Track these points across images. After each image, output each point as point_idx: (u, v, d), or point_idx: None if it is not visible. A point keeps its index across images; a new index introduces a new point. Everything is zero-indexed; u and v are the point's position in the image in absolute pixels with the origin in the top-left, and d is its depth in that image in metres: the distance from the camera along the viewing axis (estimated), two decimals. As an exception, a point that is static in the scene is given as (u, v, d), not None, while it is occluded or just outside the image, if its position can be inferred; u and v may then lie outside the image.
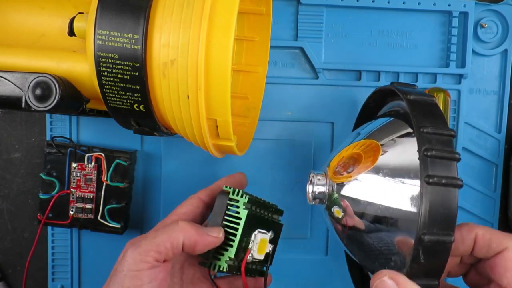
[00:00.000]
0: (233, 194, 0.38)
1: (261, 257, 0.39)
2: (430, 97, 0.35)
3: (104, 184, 0.48)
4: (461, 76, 0.51)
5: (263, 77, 0.48)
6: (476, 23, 0.51)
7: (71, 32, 0.38)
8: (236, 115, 0.48)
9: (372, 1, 0.49)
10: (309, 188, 0.40)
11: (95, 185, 0.48)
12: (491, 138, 0.52)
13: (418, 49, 0.51)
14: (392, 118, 0.39)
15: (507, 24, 0.51)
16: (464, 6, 0.50)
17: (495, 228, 0.53)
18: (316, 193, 0.39)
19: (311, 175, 0.40)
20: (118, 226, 0.48)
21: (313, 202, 0.40)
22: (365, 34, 0.51)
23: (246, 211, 0.37)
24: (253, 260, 0.39)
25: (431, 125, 0.32)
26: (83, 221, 0.48)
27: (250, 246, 0.38)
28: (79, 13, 0.38)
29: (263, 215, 0.40)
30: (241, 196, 0.38)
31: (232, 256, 0.37)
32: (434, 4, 0.50)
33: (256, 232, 0.39)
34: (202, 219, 0.41)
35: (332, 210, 0.39)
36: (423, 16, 0.51)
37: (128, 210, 0.50)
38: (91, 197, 0.48)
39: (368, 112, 0.46)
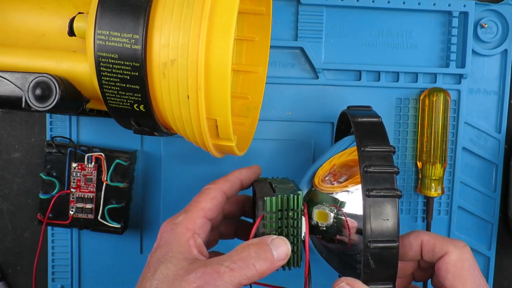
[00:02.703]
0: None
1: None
2: (376, 118, 0.38)
3: (104, 184, 0.48)
4: (461, 76, 0.51)
5: (263, 77, 0.48)
6: (476, 23, 0.51)
7: (71, 32, 0.38)
8: (236, 115, 0.48)
9: (372, 1, 0.49)
10: None
11: (95, 185, 0.48)
12: (491, 138, 0.52)
13: (418, 49, 0.51)
14: None
15: (507, 24, 0.51)
16: (464, 6, 0.50)
17: (496, 229, 0.53)
18: None
19: None
20: (118, 226, 0.48)
21: None
22: (365, 34, 0.51)
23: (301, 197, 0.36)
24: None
25: (372, 143, 0.35)
26: (83, 221, 0.48)
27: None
28: (79, 13, 0.38)
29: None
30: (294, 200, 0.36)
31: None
32: (434, 4, 0.50)
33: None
34: (222, 212, 0.38)
35: (312, 219, 0.38)
36: (423, 16, 0.51)
37: (128, 210, 0.50)
38: (91, 197, 0.48)
39: (342, 134, 0.47)
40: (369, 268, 0.33)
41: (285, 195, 0.35)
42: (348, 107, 0.42)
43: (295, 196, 0.36)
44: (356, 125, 0.37)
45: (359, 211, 0.36)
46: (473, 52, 0.51)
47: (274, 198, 0.35)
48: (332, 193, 0.37)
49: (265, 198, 0.35)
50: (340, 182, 0.38)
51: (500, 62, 0.52)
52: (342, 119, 0.47)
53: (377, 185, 0.33)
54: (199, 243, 0.34)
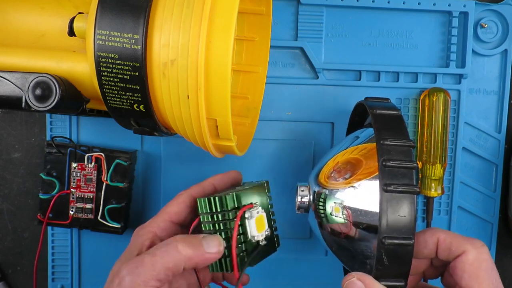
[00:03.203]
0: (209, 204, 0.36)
1: (259, 235, 0.36)
2: (395, 111, 0.37)
3: (104, 184, 0.48)
4: (461, 76, 0.51)
5: (263, 77, 0.48)
6: (476, 23, 0.51)
7: (71, 32, 0.38)
8: (236, 115, 0.48)
9: (372, 1, 0.49)
10: (296, 199, 0.41)
11: (95, 185, 0.48)
12: (491, 138, 0.52)
13: (418, 49, 0.51)
14: None
15: (507, 24, 0.51)
16: (464, 6, 0.50)
17: (496, 229, 0.53)
18: (299, 203, 0.41)
19: (297, 186, 0.41)
20: (118, 226, 0.48)
21: (298, 212, 0.41)
22: (365, 34, 0.51)
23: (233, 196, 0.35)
24: (252, 239, 0.36)
25: (391, 137, 0.34)
26: (83, 221, 0.48)
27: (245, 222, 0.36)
28: (79, 13, 0.38)
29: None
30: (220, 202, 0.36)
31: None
32: (434, 4, 0.50)
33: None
34: (192, 216, 0.39)
35: (322, 215, 0.39)
36: (423, 16, 0.51)
37: (128, 210, 0.50)
38: (91, 197, 0.48)
39: (355, 126, 0.47)
40: (381, 264, 0.32)
41: (215, 196, 0.35)
42: (366, 98, 0.42)
43: (225, 197, 0.35)
44: (375, 117, 0.36)
45: (364, 205, 0.36)
46: (473, 52, 0.51)
47: (203, 199, 0.36)
48: (338, 189, 0.38)
49: (197, 199, 0.36)
50: (345, 179, 0.38)
51: (500, 62, 0.52)
52: (357, 111, 0.46)
53: (395, 180, 0.33)
54: (156, 244, 0.35)
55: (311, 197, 0.41)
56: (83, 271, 0.51)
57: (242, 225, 0.35)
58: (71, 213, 0.48)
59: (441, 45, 0.51)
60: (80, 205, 0.48)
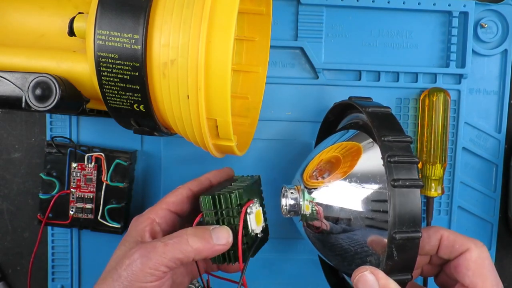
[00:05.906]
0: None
1: (258, 228, 0.38)
2: (386, 108, 0.38)
3: (104, 184, 0.48)
4: (461, 76, 0.51)
5: (263, 77, 0.48)
6: (476, 23, 0.51)
7: (71, 32, 0.38)
8: (236, 115, 0.48)
9: (372, 1, 0.49)
10: (283, 201, 0.41)
11: (95, 185, 0.48)
12: (491, 138, 0.52)
13: (418, 49, 0.51)
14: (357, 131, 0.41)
15: (507, 24, 0.51)
16: (464, 6, 0.50)
17: (496, 229, 0.53)
18: (290, 206, 0.41)
19: (283, 189, 0.41)
20: (118, 226, 0.48)
21: (289, 215, 0.41)
22: (365, 34, 0.51)
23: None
24: (252, 233, 0.38)
25: (390, 133, 0.35)
26: (83, 221, 0.48)
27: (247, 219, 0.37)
28: (79, 13, 0.38)
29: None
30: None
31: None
32: (434, 4, 0.50)
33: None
34: (190, 207, 0.40)
35: (304, 215, 0.41)
36: (423, 16, 0.51)
37: (128, 210, 0.50)
38: (91, 197, 0.48)
39: (328, 126, 0.48)
40: (391, 259, 0.33)
41: (219, 194, 0.36)
42: (350, 98, 0.43)
43: (229, 195, 0.36)
44: (370, 115, 0.37)
45: (350, 205, 0.37)
46: (473, 52, 0.51)
47: (207, 197, 0.37)
48: (317, 188, 0.39)
49: (200, 196, 0.37)
50: (324, 178, 0.39)
51: (500, 62, 0.52)
52: (333, 111, 0.47)
53: (401, 175, 0.33)
54: (156, 230, 0.37)
55: (300, 198, 0.41)
56: (83, 271, 0.51)
57: (244, 220, 0.37)
58: (71, 213, 0.48)
59: (441, 45, 0.51)
60: (80, 205, 0.48)
